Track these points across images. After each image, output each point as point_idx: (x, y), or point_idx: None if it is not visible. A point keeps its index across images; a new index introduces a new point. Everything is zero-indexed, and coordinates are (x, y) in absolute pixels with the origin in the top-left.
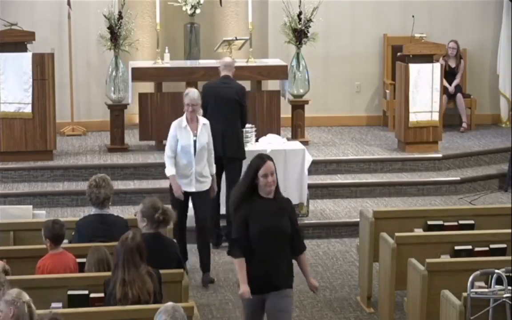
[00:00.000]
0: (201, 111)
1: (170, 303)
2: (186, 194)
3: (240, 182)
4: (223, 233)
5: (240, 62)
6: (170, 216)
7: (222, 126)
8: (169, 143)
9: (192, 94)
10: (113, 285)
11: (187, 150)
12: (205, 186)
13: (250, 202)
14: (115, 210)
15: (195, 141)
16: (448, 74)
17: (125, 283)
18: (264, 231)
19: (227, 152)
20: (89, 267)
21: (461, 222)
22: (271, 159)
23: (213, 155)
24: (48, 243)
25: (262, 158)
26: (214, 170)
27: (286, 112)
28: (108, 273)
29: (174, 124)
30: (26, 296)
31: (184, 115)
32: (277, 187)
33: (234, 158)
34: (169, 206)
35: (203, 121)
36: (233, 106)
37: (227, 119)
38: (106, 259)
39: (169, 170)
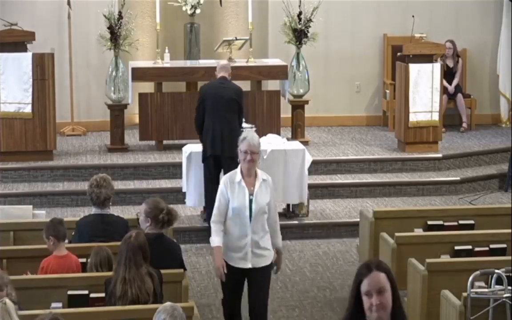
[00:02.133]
0: (260, 160)
1: (168, 303)
2: (240, 272)
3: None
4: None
5: (240, 62)
6: (175, 216)
7: (221, 126)
8: (216, 202)
9: (252, 138)
10: (114, 283)
11: (241, 213)
12: (264, 261)
13: None
14: (115, 210)
15: (251, 201)
16: (447, 74)
17: (126, 281)
18: None
19: (225, 151)
20: (91, 269)
21: (461, 222)
22: (383, 268)
23: (278, 222)
24: (52, 242)
25: (368, 267)
26: (280, 242)
27: (286, 112)
28: (110, 273)
29: (224, 178)
30: None
31: (239, 167)
32: (398, 311)
33: (232, 157)
34: (173, 207)
35: (263, 175)
36: (232, 105)
37: (225, 118)
38: (109, 261)
39: (213, 240)
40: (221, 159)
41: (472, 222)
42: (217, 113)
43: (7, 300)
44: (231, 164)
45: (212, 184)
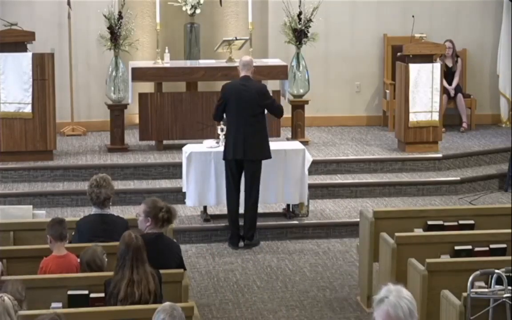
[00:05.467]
0: None
1: (168, 303)
2: None
3: None
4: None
5: None
6: (174, 214)
7: (244, 129)
8: None
9: (397, 305)
10: (115, 284)
11: None
12: None
13: None
14: (115, 210)
15: None
16: (446, 74)
17: (133, 283)
18: None
19: (248, 154)
20: (83, 269)
21: (461, 222)
22: None
23: None
24: (49, 241)
25: None
26: None
27: (286, 112)
28: (110, 274)
29: None
30: None
31: None
32: None
33: (254, 161)
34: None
35: None
36: (254, 108)
37: (247, 121)
38: (98, 259)
39: None
40: (243, 162)
41: (472, 222)
42: (240, 116)
43: (6, 298)
44: (252, 165)
45: (232, 186)
